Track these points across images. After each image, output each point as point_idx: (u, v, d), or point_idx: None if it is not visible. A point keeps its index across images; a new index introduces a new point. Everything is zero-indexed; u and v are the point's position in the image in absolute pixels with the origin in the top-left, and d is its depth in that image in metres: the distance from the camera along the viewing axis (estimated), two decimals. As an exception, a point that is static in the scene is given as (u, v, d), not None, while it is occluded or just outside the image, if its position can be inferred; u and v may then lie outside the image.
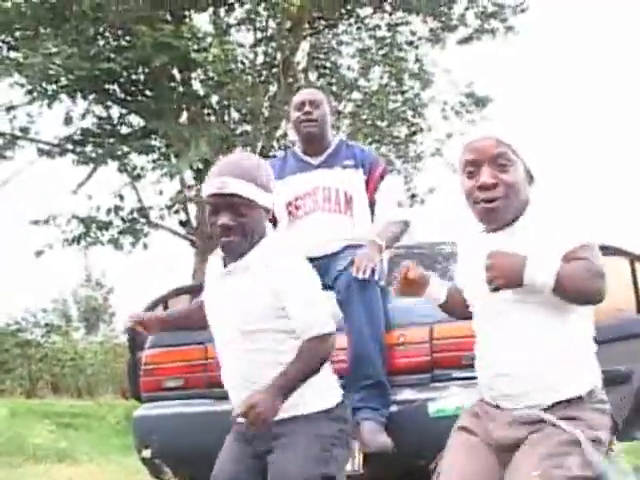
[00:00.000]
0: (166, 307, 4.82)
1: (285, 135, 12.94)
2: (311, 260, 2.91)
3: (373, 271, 3.52)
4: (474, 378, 3.47)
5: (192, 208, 13.58)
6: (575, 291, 2.18)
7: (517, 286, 2.19)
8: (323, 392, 2.77)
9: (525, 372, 2.33)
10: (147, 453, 3.74)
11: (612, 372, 3.36)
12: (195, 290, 5.13)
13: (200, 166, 12.04)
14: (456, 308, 2.69)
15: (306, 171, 4.05)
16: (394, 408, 3.51)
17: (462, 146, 2.40)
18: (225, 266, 2.80)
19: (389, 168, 12.48)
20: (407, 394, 3.54)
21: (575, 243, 2.24)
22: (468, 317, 2.62)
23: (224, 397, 3.47)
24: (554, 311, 2.28)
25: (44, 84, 12.34)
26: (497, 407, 2.44)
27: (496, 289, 2.20)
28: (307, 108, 4.07)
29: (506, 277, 2.18)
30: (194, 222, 13.45)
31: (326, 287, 3.26)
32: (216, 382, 3.68)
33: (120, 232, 13.06)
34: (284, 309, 2.68)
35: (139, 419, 3.93)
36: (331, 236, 3.81)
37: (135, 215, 13.35)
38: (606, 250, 4.40)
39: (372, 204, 4.02)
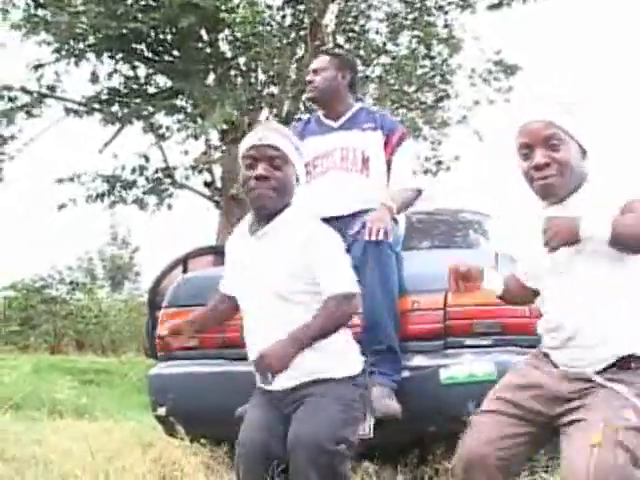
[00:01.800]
0: (185, 267, 4.85)
1: (312, 98, 12.89)
2: (326, 221, 3.04)
3: (386, 233, 3.54)
4: (487, 346, 3.51)
5: (217, 169, 13.60)
6: (633, 239, 2.30)
7: (575, 242, 2.33)
8: (347, 360, 2.90)
9: (591, 329, 2.45)
10: (162, 411, 3.78)
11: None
12: (215, 251, 5.17)
13: (225, 127, 12.04)
14: (516, 295, 2.85)
15: (326, 133, 4.13)
16: (406, 374, 3.52)
17: (514, 129, 2.55)
18: (255, 228, 2.93)
19: (413, 134, 12.24)
20: (419, 360, 3.55)
21: (628, 198, 2.39)
22: (530, 302, 2.82)
23: (238, 358, 3.53)
24: (619, 263, 2.41)
25: (71, 42, 12.34)
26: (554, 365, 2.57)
27: (554, 249, 2.35)
28: (309, 77, 4.19)
29: (563, 234, 2.33)
30: (219, 183, 13.48)
31: None
32: (231, 343, 3.74)
33: (144, 192, 13.15)
34: (313, 271, 2.81)
35: (154, 377, 3.98)
36: (346, 195, 3.84)
37: (160, 175, 13.41)
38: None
39: (389, 166, 4.06)
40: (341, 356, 2.89)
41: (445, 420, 3.40)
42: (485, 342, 3.51)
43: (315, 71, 4.17)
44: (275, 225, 2.88)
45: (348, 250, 3.62)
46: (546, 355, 2.61)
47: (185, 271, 4.87)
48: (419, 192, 4.06)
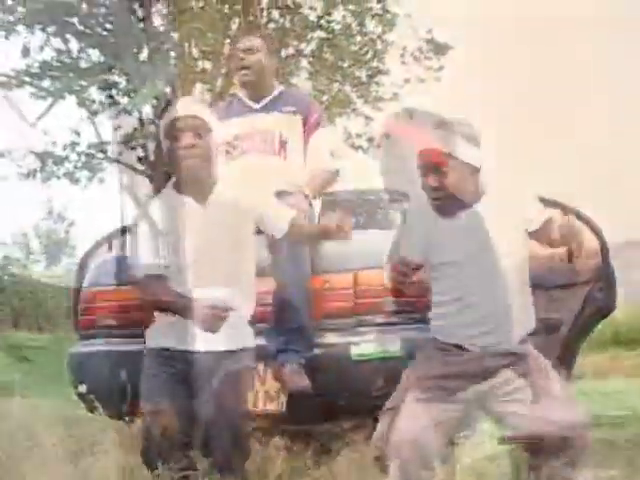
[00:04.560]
0: (110, 246, 4.88)
1: (245, 74, 12.85)
2: None
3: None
4: (394, 324, 3.65)
5: (151, 144, 13.53)
6: None
7: None
8: (249, 332, 3.23)
9: (492, 319, 2.93)
10: (82, 388, 3.85)
11: (545, 320, 3.52)
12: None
13: (157, 103, 12.01)
14: None
15: (247, 114, 4.16)
16: (318, 351, 3.63)
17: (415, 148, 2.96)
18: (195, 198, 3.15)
19: (347, 108, 12.14)
20: (331, 338, 3.65)
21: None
22: None
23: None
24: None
25: (0, 15, 12.16)
26: (461, 348, 2.97)
27: None
28: (241, 55, 4.15)
29: None
30: (152, 158, 13.41)
31: (257, 232, 3.43)
32: (148, 322, 3.83)
33: (76, 167, 13.06)
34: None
35: (73, 355, 4.04)
36: (264, 177, 3.90)
37: (92, 150, 13.32)
38: (544, 202, 4.57)
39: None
40: (247, 328, 3.22)
41: (354, 394, 3.53)
42: (393, 320, 3.64)
43: (245, 50, 4.14)
44: (214, 198, 3.13)
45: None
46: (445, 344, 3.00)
47: (111, 250, 4.90)
48: (335, 174, 4.15)
